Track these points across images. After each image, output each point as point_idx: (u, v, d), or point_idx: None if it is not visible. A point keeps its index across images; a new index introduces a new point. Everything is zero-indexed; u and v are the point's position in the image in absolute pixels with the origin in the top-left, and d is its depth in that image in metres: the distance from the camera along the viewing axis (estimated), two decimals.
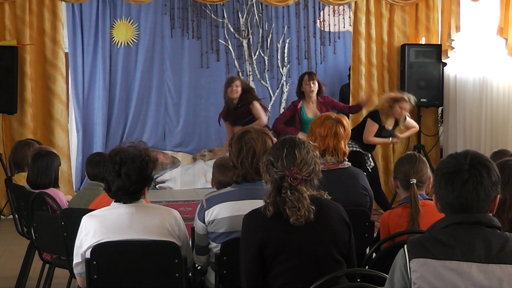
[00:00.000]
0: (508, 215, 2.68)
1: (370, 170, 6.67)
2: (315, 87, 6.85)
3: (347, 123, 4.02)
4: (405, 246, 2.07)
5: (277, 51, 9.90)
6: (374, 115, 6.71)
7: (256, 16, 9.80)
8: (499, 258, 2.00)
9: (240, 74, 9.63)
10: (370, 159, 6.77)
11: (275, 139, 3.24)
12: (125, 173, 3.00)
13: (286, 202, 2.67)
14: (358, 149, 6.65)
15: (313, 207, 2.67)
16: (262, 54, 9.86)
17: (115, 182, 3.02)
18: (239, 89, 6.91)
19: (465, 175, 2.07)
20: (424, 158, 3.52)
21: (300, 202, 2.66)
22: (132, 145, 3.12)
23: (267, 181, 2.76)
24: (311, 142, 2.86)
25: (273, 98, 9.86)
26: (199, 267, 3.48)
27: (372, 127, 6.67)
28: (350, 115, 7.73)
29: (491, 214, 2.11)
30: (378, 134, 6.73)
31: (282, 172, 2.69)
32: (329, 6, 9.74)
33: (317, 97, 6.91)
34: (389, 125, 6.75)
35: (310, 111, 6.93)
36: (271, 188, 2.73)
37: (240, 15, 9.77)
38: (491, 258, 2.00)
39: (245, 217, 2.79)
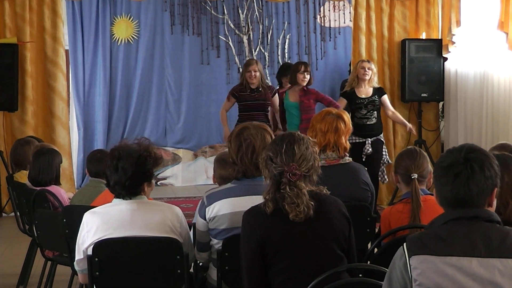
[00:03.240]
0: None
1: (363, 159, 6.70)
2: (307, 78, 6.93)
3: (348, 118, 4.01)
4: (404, 244, 2.07)
5: (278, 47, 9.89)
6: (343, 92, 6.99)
7: (256, 12, 9.79)
8: (499, 252, 2.00)
9: (240, 70, 9.61)
10: (368, 145, 6.79)
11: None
12: (122, 167, 3.01)
13: (285, 198, 2.67)
14: (356, 141, 6.68)
15: (312, 203, 2.67)
16: (263, 50, 9.86)
17: (112, 176, 3.03)
18: (258, 74, 6.92)
19: (458, 168, 2.07)
20: (425, 153, 3.52)
21: (299, 198, 2.65)
22: (136, 141, 3.13)
23: (266, 176, 2.76)
24: (311, 138, 2.85)
25: None
26: (200, 264, 3.48)
27: (340, 102, 6.87)
28: None
29: (490, 208, 2.11)
30: (352, 104, 6.87)
31: (281, 168, 2.69)
32: (329, 2, 9.72)
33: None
34: (363, 93, 6.89)
35: (292, 96, 6.98)
36: (270, 184, 2.72)
37: (240, 11, 9.75)
38: (491, 252, 2.00)
39: (244, 214, 2.79)
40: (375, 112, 6.95)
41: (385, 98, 7.12)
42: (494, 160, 2.11)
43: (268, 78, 9.76)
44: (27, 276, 5.02)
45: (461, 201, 2.07)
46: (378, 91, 7.02)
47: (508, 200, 2.66)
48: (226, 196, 3.11)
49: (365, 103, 6.86)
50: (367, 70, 6.86)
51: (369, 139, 6.82)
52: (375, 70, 7.06)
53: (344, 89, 7.02)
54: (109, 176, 3.06)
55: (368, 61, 7.11)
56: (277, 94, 7.16)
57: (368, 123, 6.88)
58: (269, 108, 7.17)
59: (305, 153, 2.72)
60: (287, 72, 7.27)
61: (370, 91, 6.92)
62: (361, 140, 6.77)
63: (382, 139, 7.01)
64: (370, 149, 6.79)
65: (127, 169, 3.01)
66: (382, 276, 2.19)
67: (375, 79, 7.01)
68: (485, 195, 2.08)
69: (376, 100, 6.96)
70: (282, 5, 9.79)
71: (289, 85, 7.05)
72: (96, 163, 4.25)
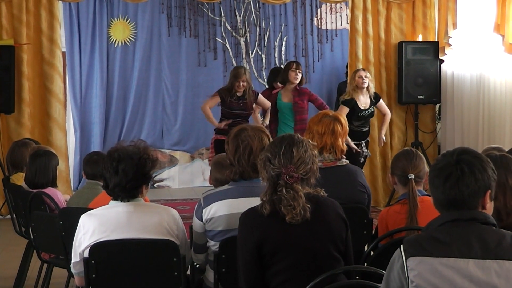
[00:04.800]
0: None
1: (363, 161, 6.97)
2: (299, 76, 7.06)
3: (345, 120, 4.02)
4: (401, 245, 2.08)
5: (275, 49, 9.89)
6: (345, 101, 6.96)
7: (253, 14, 9.80)
8: (495, 254, 2.01)
9: None
10: (364, 148, 7.03)
11: None
12: (122, 170, 3.00)
13: (281, 200, 2.66)
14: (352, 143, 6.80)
15: (309, 206, 2.67)
16: (260, 52, 9.86)
17: (112, 178, 3.02)
18: (246, 83, 6.92)
19: (448, 170, 2.09)
20: (421, 154, 3.53)
21: (296, 201, 2.65)
22: (132, 144, 3.12)
23: (264, 177, 2.76)
24: (310, 140, 2.85)
25: None
26: (197, 266, 3.48)
27: (341, 110, 6.84)
28: None
29: (485, 211, 2.11)
30: (354, 116, 6.86)
31: (279, 170, 2.69)
32: (326, 4, 9.73)
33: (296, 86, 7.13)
34: (363, 103, 6.97)
35: (286, 96, 7.11)
36: (267, 186, 2.72)
37: (237, 13, 9.76)
38: (488, 254, 2.01)
39: (241, 216, 2.78)
40: (369, 120, 7.24)
41: (381, 103, 7.26)
42: (489, 163, 2.11)
43: (265, 80, 9.77)
44: (23, 279, 5.00)
45: (452, 202, 2.08)
46: (375, 100, 7.13)
47: None
48: (223, 198, 3.11)
49: (365, 115, 7.05)
50: (364, 78, 6.95)
51: (362, 141, 7.08)
52: (371, 77, 7.19)
53: (344, 97, 7.03)
54: (108, 178, 3.04)
55: (364, 70, 7.21)
56: (259, 94, 7.07)
57: (363, 129, 7.14)
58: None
59: (303, 156, 2.72)
60: (278, 76, 7.34)
61: (368, 101, 7.04)
62: (355, 143, 6.92)
63: (368, 139, 7.30)
64: (367, 151, 7.11)
65: (128, 171, 3.00)
66: (379, 278, 2.19)
67: (372, 85, 7.15)
68: (477, 197, 2.09)
69: (373, 110, 7.16)
70: (279, 7, 9.79)
71: (281, 86, 7.13)
72: (92, 165, 4.24)
